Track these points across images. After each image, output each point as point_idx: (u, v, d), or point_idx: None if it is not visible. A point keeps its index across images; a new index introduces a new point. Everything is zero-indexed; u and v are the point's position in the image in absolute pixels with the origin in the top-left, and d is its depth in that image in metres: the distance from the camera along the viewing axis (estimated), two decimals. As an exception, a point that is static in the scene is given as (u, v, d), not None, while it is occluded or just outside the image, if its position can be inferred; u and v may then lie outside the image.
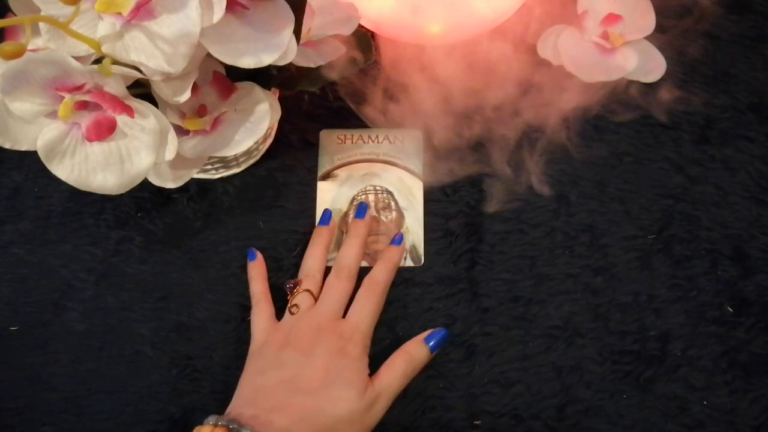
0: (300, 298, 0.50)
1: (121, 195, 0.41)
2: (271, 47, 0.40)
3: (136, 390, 0.50)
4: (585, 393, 0.50)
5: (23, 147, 0.40)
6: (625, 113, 0.57)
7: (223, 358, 0.51)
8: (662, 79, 0.57)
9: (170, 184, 0.47)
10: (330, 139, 0.57)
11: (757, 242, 0.53)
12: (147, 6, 0.36)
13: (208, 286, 0.53)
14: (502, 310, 0.52)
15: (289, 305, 0.50)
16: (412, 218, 0.54)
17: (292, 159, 0.56)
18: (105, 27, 0.36)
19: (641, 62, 0.57)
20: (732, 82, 0.58)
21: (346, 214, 0.55)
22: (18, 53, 0.34)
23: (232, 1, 0.38)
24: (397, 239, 0.53)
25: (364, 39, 0.52)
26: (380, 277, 0.51)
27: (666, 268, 0.52)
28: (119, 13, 0.36)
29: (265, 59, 0.39)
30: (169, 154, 0.41)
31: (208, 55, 0.39)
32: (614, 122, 0.57)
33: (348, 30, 0.49)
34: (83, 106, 0.39)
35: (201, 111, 0.45)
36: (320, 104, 0.58)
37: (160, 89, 0.40)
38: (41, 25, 0.37)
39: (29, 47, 0.36)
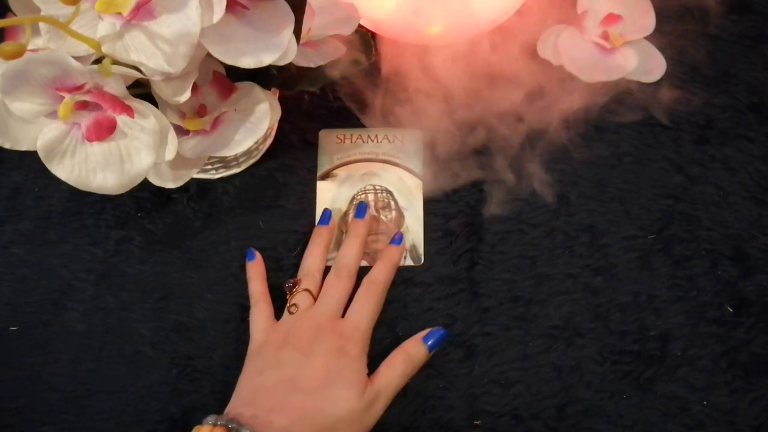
0: (299, 298, 0.50)
1: (121, 195, 0.41)
2: (271, 47, 0.40)
3: (136, 390, 0.50)
4: (585, 393, 0.50)
5: (23, 147, 0.40)
6: (625, 113, 0.57)
7: (223, 358, 0.51)
8: (662, 79, 0.57)
9: (170, 184, 0.47)
10: (329, 139, 0.57)
11: (757, 242, 0.53)
12: (147, 6, 0.36)
13: (208, 286, 0.53)
14: (502, 310, 0.52)
15: (288, 305, 0.50)
16: (412, 218, 0.54)
17: (292, 159, 0.56)
18: (105, 27, 0.36)
19: (641, 62, 0.57)
20: (732, 82, 0.58)
21: (345, 214, 0.55)
22: (18, 53, 0.34)
23: (232, 1, 0.38)
24: (397, 239, 0.53)
25: (365, 39, 0.52)
26: (380, 277, 0.51)
27: (666, 268, 0.52)
28: (119, 13, 0.36)
29: (265, 59, 0.39)
30: (169, 154, 0.41)
31: (208, 55, 0.39)
32: (614, 122, 0.57)
33: (348, 30, 0.49)
34: (83, 106, 0.39)
35: (201, 111, 0.45)
36: (320, 104, 0.58)
37: (160, 89, 0.40)
38: (41, 25, 0.37)
39: (29, 47, 0.36)
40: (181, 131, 0.45)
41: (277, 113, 0.47)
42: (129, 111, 0.39)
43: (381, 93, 0.57)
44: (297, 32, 0.41)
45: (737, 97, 0.57)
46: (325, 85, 0.54)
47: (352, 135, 0.57)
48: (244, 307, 0.52)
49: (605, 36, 0.57)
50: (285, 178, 0.56)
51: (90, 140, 0.39)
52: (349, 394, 0.45)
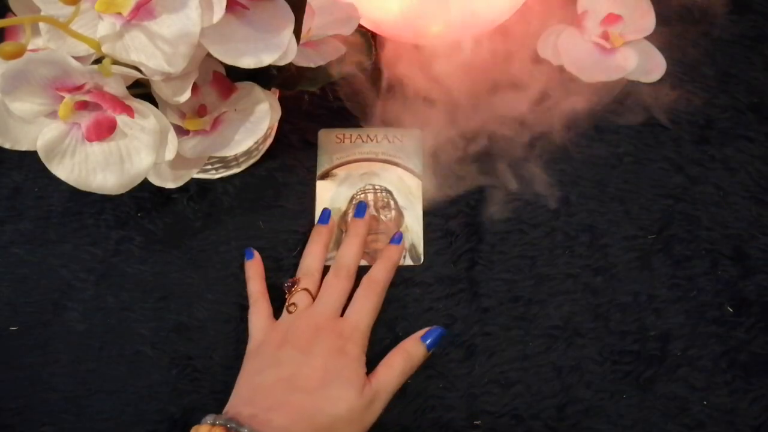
0: (298, 297, 0.50)
1: (121, 195, 0.41)
2: (271, 47, 0.40)
3: (136, 390, 0.50)
4: (585, 393, 0.50)
5: (23, 147, 0.40)
6: (625, 113, 0.57)
7: (223, 358, 0.51)
8: (662, 79, 0.57)
9: (170, 184, 0.47)
10: (329, 139, 0.57)
11: (757, 242, 0.53)
12: (147, 6, 0.36)
13: (208, 286, 0.53)
14: (502, 310, 0.52)
15: (287, 304, 0.50)
16: (412, 217, 0.54)
17: (292, 159, 0.56)
18: (105, 27, 0.36)
19: (641, 62, 0.57)
20: (732, 82, 0.58)
21: (345, 213, 0.55)
22: (18, 53, 0.34)
23: (232, 1, 0.38)
24: (397, 238, 0.53)
25: (365, 39, 0.52)
26: (379, 276, 0.51)
27: (666, 268, 0.52)
28: (119, 13, 0.36)
29: (265, 59, 0.39)
30: (169, 154, 0.41)
31: (208, 55, 0.39)
32: (614, 122, 0.57)
33: (348, 30, 0.49)
34: (83, 106, 0.39)
35: (201, 111, 0.45)
36: (320, 104, 0.58)
37: (160, 89, 0.40)
38: (41, 25, 0.37)
39: (29, 47, 0.36)
40: (181, 131, 0.45)
41: (277, 113, 0.47)
42: (129, 111, 0.39)
43: (381, 93, 0.57)
44: (297, 32, 0.41)
45: (737, 97, 0.57)
46: (325, 85, 0.54)
47: (351, 135, 0.57)
48: (244, 307, 0.52)
49: (605, 36, 0.57)
50: (285, 178, 0.56)
51: (90, 140, 0.39)
52: (348, 393, 0.45)
